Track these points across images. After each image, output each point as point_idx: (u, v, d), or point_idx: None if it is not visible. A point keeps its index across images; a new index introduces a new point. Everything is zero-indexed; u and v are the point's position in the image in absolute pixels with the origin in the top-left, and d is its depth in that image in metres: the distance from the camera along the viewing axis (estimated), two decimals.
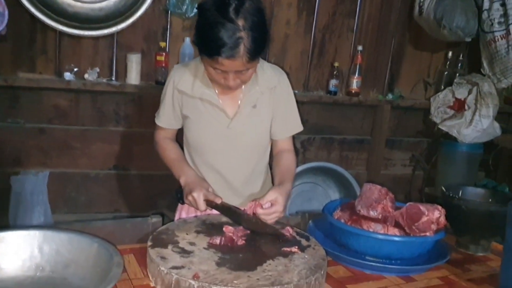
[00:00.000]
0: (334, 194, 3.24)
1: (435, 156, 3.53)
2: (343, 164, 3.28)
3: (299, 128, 1.72)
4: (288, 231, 1.36)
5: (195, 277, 1.05)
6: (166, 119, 1.66)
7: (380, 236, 1.32)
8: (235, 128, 1.59)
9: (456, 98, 3.30)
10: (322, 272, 1.15)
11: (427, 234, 1.33)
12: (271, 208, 1.39)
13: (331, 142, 3.26)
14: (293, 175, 1.63)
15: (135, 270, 1.19)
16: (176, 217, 1.75)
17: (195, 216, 1.44)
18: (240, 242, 1.25)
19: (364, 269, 1.32)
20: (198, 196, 1.42)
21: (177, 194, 1.58)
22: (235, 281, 1.04)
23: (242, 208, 1.45)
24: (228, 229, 1.31)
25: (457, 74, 3.36)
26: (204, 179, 1.55)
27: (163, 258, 1.12)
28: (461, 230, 1.50)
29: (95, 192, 2.81)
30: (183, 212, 1.73)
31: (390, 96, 3.28)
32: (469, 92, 3.24)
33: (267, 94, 1.62)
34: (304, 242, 1.31)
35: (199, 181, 1.51)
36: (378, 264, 1.29)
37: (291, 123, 1.70)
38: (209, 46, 1.34)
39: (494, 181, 3.57)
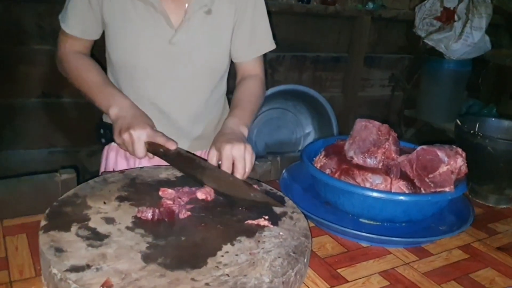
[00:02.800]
0: (306, 121, 2.86)
1: (417, 75, 3.17)
2: (316, 86, 2.87)
3: (271, 45, 1.28)
4: (258, 192, 0.96)
5: (105, 285, 0.65)
6: (78, 23, 1.16)
7: (382, 195, 0.94)
8: (181, 43, 1.15)
9: (444, 8, 2.89)
10: (306, 260, 0.78)
11: (446, 189, 0.96)
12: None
13: (303, 60, 2.82)
14: (253, 103, 1.21)
15: (24, 264, 0.78)
16: (102, 168, 1.33)
17: (122, 172, 1.01)
18: (184, 215, 0.85)
19: (360, 240, 0.95)
20: (139, 137, 0.99)
21: (99, 129, 1.15)
22: None
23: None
24: (166, 193, 0.90)
25: None
26: (145, 113, 1.11)
27: (59, 250, 0.71)
28: (482, 177, 1.14)
29: (22, 126, 2.34)
30: (110, 160, 1.30)
31: (370, 6, 2.83)
32: (460, 1, 2.82)
33: None
34: (276, 207, 0.92)
35: (140, 115, 1.07)
36: (380, 236, 0.92)
37: (260, 39, 1.26)
38: None
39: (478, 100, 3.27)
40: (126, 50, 1.16)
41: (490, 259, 0.93)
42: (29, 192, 0.98)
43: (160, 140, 1.00)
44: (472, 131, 1.10)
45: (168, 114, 1.22)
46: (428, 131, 3.16)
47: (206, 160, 1.01)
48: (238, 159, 0.96)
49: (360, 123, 1.08)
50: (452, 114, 3.04)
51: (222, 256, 0.74)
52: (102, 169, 1.31)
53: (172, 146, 0.99)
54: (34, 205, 0.95)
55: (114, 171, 1.06)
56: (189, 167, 0.99)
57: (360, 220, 1.02)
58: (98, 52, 1.27)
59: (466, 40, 2.81)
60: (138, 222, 0.81)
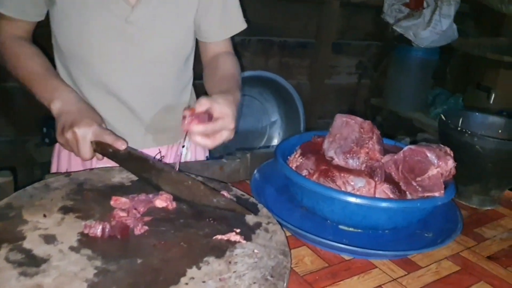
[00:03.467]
0: (272, 109, 2.74)
1: (384, 63, 3.10)
2: (283, 73, 2.75)
3: (242, 24, 1.15)
4: (223, 197, 0.84)
5: None
6: (15, 2, 1.00)
7: (366, 202, 0.84)
8: (139, 21, 1.01)
9: None
10: (285, 284, 0.66)
11: (436, 194, 0.87)
12: (216, 122, 0.84)
13: (269, 45, 2.69)
14: (238, 82, 1.07)
15: None
16: (53, 168, 1.18)
17: (68, 175, 0.87)
18: (140, 230, 0.72)
19: (342, 252, 0.85)
20: (84, 136, 0.85)
21: (43, 127, 1.01)
22: None
23: (158, 156, 0.91)
24: (119, 203, 0.77)
25: None
26: (92, 107, 0.97)
27: None
28: (467, 177, 1.06)
29: None
30: (62, 160, 1.15)
31: None
32: None
33: None
34: (249, 217, 0.81)
35: (86, 110, 0.93)
36: (366, 250, 0.82)
37: (232, 18, 1.13)
38: None
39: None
40: (77, 31, 1.01)
41: (482, 271, 0.85)
42: None
43: (108, 139, 0.86)
44: (459, 128, 1.01)
45: (129, 104, 1.08)
46: (395, 120, 3.11)
47: (161, 161, 0.87)
48: (221, 136, 0.86)
49: (340, 119, 0.97)
50: (419, 103, 3.00)
51: (187, 284, 0.62)
52: (53, 171, 1.16)
53: (121, 146, 0.85)
54: None
55: (59, 173, 0.91)
56: (142, 170, 0.86)
57: (340, 227, 0.92)
58: (43, 38, 1.11)
59: (434, 28, 2.75)
60: (85, 241, 0.68)
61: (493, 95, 2.80)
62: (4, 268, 0.60)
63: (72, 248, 0.66)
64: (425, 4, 2.78)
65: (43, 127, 1.00)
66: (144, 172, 0.85)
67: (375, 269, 0.82)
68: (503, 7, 2.96)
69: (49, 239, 0.67)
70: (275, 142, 2.76)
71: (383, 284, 0.77)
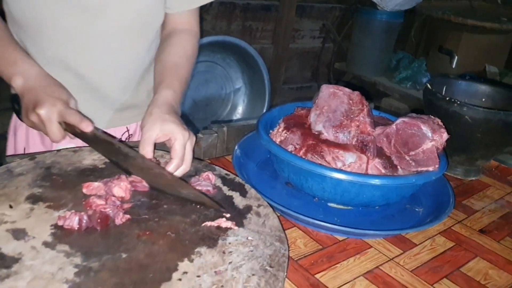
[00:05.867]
0: (236, 75, 2.65)
1: (347, 26, 3.05)
2: (246, 37, 2.66)
3: None
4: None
5: None
6: None
7: (360, 179, 0.79)
8: None
9: None
10: (285, 275, 0.61)
11: (430, 168, 0.83)
12: (173, 150, 0.76)
13: (232, 8, 2.58)
14: (188, 71, 0.98)
15: None
16: (10, 149, 1.05)
17: (33, 158, 0.77)
18: (121, 219, 0.64)
19: (335, 233, 0.81)
20: (49, 117, 0.76)
21: (14, 102, 0.91)
22: None
23: (125, 135, 0.82)
24: (92, 189, 0.69)
25: None
26: (59, 83, 0.86)
27: None
28: (454, 148, 1.02)
29: None
30: (19, 137, 1.03)
31: None
32: None
33: None
34: (238, 199, 0.74)
35: (50, 86, 0.82)
36: (358, 230, 0.78)
37: None
38: None
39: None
40: (30, 1, 0.88)
41: (476, 247, 0.82)
42: None
43: (73, 120, 0.76)
44: (448, 98, 0.98)
45: (90, 82, 0.95)
46: (358, 84, 3.09)
47: (126, 142, 0.78)
48: (189, 151, 0.77)
49: (327, 90, 0.91)
50: (383, 67, 2.99)
51: (180, 280, 0.55)
52: (10, 151, 1.04)
53: (86, 128, 0.75)
54: None
55: (21, 154, 0.81)
56: (110, 153, 0.78)
57: (329, 204, 0.88)
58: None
59: None
60: (60, 234, 0.60)
61: (456, 58, 2.82)
62: None
63: (46, 244, 0.58)
64: None
65: (14, 102, 0.89)
66: (112, 155, 0.77)
67: (370, 249, 0.78)
68: None
69: (19, 234, 0.59)
70: (240, 110, 2.69)
71: (380, 265, 0.74)
